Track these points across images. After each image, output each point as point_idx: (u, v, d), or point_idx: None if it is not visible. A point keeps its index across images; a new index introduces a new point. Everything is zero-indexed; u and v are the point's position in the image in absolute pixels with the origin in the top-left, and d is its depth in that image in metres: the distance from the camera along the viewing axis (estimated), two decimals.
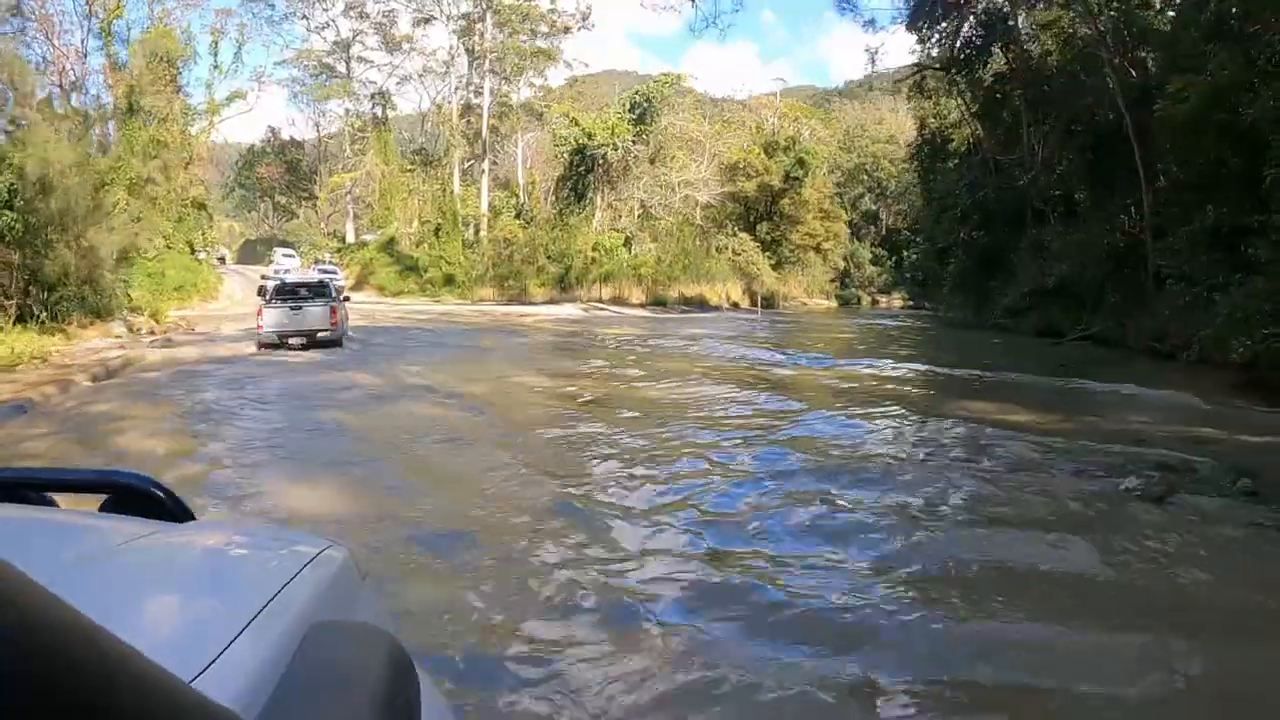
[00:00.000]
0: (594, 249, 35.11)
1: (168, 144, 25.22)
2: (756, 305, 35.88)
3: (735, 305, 36.51)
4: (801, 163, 43.43)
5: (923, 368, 12.94)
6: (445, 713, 0.94)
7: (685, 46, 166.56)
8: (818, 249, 48.44)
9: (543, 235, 35.74)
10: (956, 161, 27.70)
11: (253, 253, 50.44)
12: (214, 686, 0.46)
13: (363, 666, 0.51)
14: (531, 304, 31.60)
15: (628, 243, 36.14)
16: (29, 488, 0.99)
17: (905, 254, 53.55)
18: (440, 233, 36.05)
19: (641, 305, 33.13)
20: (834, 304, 46.89)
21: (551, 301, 32.48)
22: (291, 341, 12.67)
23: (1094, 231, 17.81)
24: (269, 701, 0.46)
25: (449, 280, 34.43)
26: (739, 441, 6.57)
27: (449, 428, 6.88)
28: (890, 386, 10.80)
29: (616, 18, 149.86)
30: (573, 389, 9.60)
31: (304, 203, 52.15)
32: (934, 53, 25.42)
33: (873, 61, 28.01)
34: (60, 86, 24.95)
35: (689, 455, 6.02)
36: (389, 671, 0.51)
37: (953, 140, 28.92)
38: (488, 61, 38.98)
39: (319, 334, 12.95)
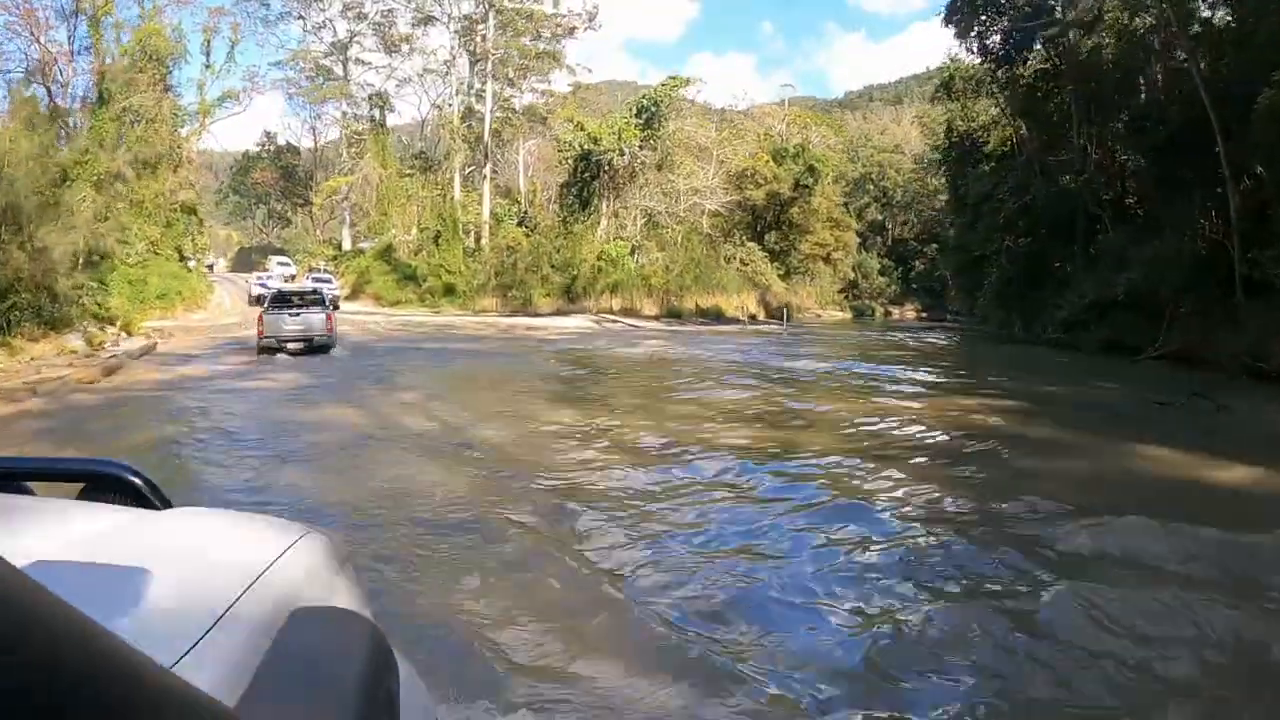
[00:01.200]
0: (599, 258, 33.43)
1: (148, 140, 23.40)
2: (774, 317, 34.28)
3: (753, 317, 34.80)
4: (811, 170, 41.97)
5: (1043, 390, 10.75)
6: (424, 698, 0.90)
7: (685, 56, 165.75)
8: (827, 259, 47.01)
9: (546, 243, 34.01)
10: (993, 165, 26.04)
11: (247, 260, 48.71)
12: (195, 673, 0.47)
13: (343, 652, 0.49)
14: (538, 315, 29.75)
15: (633, 251, 34.49)
16: (4, 477, 0.95)
17: (914, 264, 52.16)
18: (440, 240, 34.27)
19: (655, 317, 31.37)
20: (848, 315, 45.39)
21: (559, 312, 30.69)
22: (290, 346, 13.29)
23: (1168, 237, 16.11)
24: (249, 687, 0.46)
25: (449, 290, 32.62)
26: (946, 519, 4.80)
27: (460, 509, 4.62)
28: (1031, 424, 8.53)
29: (616, 27, 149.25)
30: (630, 434, 7.16)
31: (299, 209, 50.40)
32: (973, 48, 23.81)
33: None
34: (44, 85, 23.31)
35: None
36: (369, 657, 0.50)
37: (986, 143, 27.30)
38: (490, 64, 37.38)
39: (316, 339, 13.59)
